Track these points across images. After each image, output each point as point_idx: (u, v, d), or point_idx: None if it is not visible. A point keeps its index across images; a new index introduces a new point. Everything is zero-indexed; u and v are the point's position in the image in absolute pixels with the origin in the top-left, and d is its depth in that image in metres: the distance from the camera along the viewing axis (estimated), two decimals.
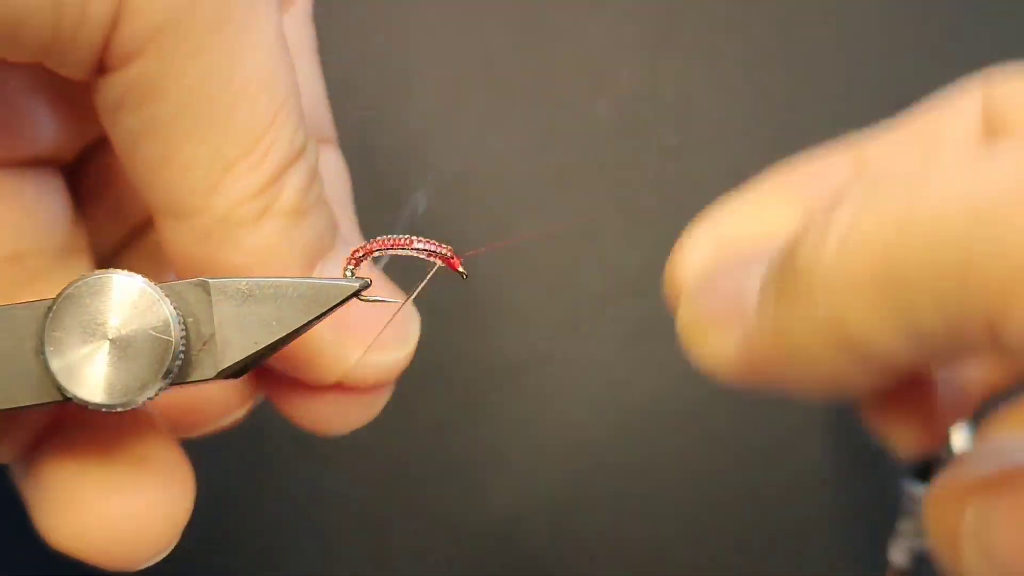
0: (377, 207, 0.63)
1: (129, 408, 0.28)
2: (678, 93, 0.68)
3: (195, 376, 0.29)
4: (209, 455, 0.64)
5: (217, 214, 0.29)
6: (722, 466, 0.67)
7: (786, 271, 0.25)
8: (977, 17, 0.70)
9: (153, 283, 0.28)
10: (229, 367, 0.29)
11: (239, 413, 0.37)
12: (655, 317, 0.67)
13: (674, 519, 0.66)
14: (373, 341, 0.33)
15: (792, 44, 0.69)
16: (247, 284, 0.29)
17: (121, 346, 0.28)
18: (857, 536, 0.67)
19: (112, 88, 0.29)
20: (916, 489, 0.61)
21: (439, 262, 0.31)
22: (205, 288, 0.28)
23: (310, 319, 0.29)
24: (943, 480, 0.30)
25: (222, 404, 0.36)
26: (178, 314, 0.28)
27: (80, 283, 0.28)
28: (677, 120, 0.68)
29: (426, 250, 0.31)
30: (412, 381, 0.66)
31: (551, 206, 0.66)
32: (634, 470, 0.66)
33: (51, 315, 0.28)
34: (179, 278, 0.30)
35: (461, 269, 0.32)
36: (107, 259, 0.36)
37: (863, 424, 0.34)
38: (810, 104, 0.69)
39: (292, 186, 0.30)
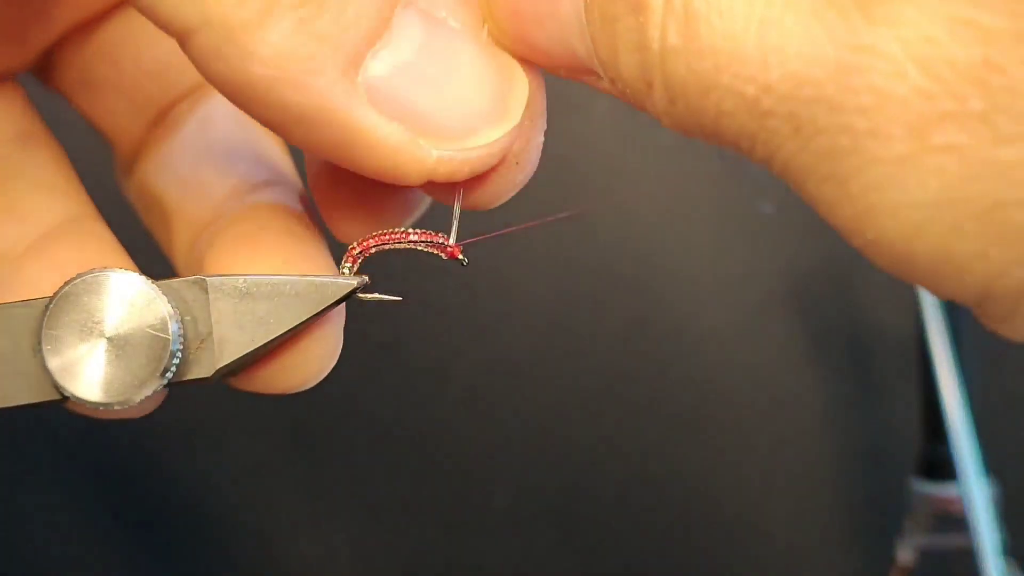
0: None
1: (126, 407, 0.28)
2: None
3: (193, 374, 0.29)
4: (206, 450, 0.65)
5: (215, 28, 0.26)
6: (722, 463, 0.66)
7: None
8: None
9: (150, 281, 0.28)
10: (227, 365, 0.29)
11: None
12: (654, 316, 0.67)
13: (674, 517, 0.66)
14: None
15: None
16: (244, 282, 0.29)
17: (118, 344, 0.28)
18: (863, 534, 0.67)
19: None
20: (922, 487, 0.61)
21: (438, 252, 0.31)
22: (202, 286, 0.28)
23: (307, 317, 0.29)
24: None
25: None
26: (175, 312, 0.28)
27: (77, 281, 0.28)
28: None
29: (423, 241, 0.31)
30: (411, 381, 0.66)
31: (550, 205, 0.66)
32: (633, 468, 0.66)
33: (48, 313, 0.28)
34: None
35: (461, 256, 0.31)
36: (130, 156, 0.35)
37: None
38: None
39: None
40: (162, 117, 0.35)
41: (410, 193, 0.33)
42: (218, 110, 0.34)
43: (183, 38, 0.26)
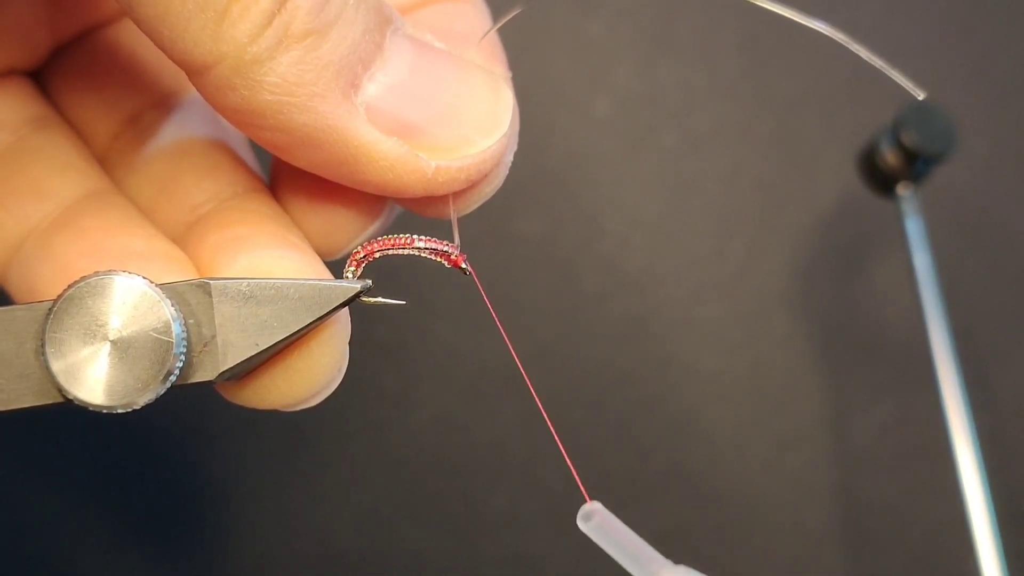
0: None
1: (130, 410, 0.28)
2: (678, 93, 0.68)
3: (196, 378, 0.29)
4: (209, 452, 0.65)
5: (229, 61, 0.28)
6: (721, 465, 0.66)
7: None
8: (976, 17, 0.70)
9: (154, 284, 0.28)
10: (230, 369, 0.28)
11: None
12: (654, 316, 0.67)
13: (672, 518, 0.66)
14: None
15: (791, 44, 0.69)
16: (248, 286, 0.28)
17: (122, 347, 0.27)
18: (864, 535, 0.67)
19: None
20: None
21: (442, 260, 0.31)
22: (206, 290, 0.28)
23: (311, 321, 0.29)
24: None
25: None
26: (179, 315, 0.28)
27: (81, 284, 0.28)
28: (677, 120, 0.68)
29: (428, 248, 0.31)
30: (411, 380, 0.66)
31: (552, 204, 0.66)
32: (633, 468, 0.66)
33: (52, 316, 0.27)
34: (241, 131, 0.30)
35: (464, 265, 0.32)
36: (102, 154, 0.36)
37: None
38: (810, 104, 0.69)
39: (302, 8, 0.28)
40: (137, 118, 0.35)
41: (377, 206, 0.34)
42: (194, 117, 0.35)
43: (197, 73, 0.28)
